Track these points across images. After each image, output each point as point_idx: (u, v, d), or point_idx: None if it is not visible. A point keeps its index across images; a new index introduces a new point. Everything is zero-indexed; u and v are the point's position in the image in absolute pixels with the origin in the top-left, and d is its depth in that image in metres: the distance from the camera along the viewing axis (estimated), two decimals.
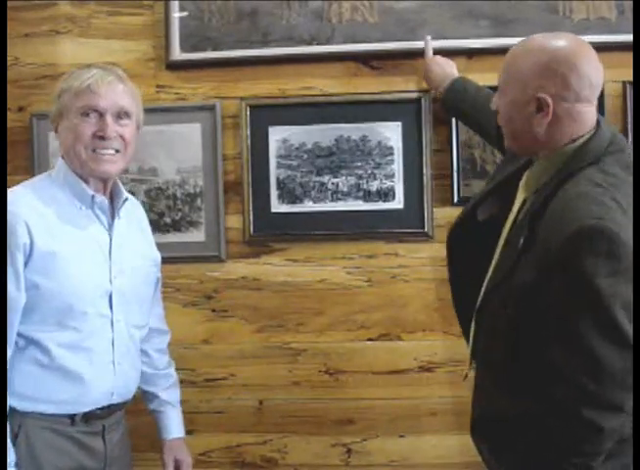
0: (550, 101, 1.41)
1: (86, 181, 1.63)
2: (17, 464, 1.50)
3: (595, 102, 1.47)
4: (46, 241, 1.54)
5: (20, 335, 1.53)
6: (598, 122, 1.47)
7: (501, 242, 1.54)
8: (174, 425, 1.88)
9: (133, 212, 1.78)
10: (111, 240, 1.66)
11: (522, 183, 1.54)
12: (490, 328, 1.52)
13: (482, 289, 1.56)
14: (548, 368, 1.36)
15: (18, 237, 1.51)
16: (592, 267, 1.31)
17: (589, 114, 1.45)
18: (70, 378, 1.57)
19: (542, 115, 1.43)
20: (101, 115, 1.60)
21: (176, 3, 2.25)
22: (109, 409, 1.64)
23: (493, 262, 1.54)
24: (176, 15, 2.26)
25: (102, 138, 1.60)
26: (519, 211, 1.50)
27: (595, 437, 1.35)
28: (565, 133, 1.45)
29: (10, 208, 1.52)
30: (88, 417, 1.61)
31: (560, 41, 1.45)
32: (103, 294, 1.61)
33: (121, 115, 1.62)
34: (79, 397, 1.59)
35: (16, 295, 1.50)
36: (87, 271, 1.59)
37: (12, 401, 1.50)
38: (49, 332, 1.55)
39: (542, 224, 1.39)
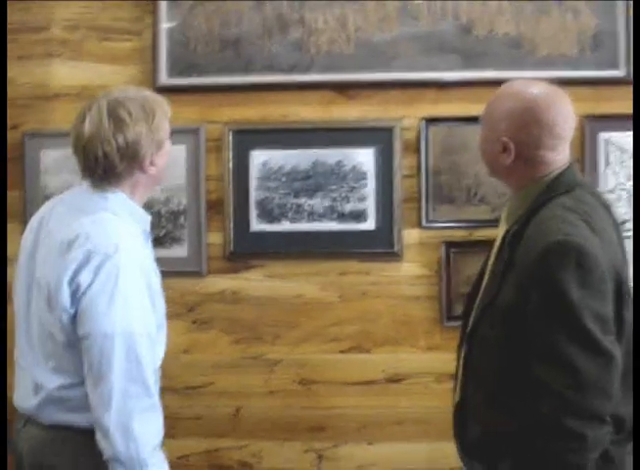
0: (512, 145, 1.51)
1: None
2: None
3: (562, 147, 1.53)
4: (156, 275, 1.59)
5: None
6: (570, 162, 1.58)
7: (488, 269, 1.63)
8: None
9: None
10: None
11: (502, 216, 1.65)
12: (481, 349, 1.56)
13: (472, 313, 1.62)
14: (534, 383, 1.40)
15: (152, 278, 1.55)
16: (564, 279, 1.38)
17: (553, 158, 1.52)
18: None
19: (506, 155, 1.52)
20: None
21: (164, 30, 2.36)
22: None
23: (482, 289, 1.63)
24: (165, 25, 2.35)
25: None
26: (502, 242, 1.57)
27: (579, 446, 1.37)
28: (529, 173, 1.53)
29: (138, 249, 1.51)
30: None
31: (533, 90, 1.53)
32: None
33: None
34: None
35: (154, 331, 1.54)
36: (160, 292, 1.65)
37: None
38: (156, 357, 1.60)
39: (519, 248, 1.46)
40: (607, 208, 1.56)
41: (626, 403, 1.46)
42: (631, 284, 1.57)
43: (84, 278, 1.46)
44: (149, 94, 1.62)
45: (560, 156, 1.53)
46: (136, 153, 1.53)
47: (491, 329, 1.51)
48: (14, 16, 2.42)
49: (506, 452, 1.47)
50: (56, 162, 2.37)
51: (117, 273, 1.45)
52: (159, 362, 1.61)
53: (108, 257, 1.46)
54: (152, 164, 1.57)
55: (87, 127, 1.51)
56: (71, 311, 1.48)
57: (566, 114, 1.52)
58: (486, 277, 1.61)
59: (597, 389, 1.37)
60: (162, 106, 1.60)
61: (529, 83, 1.56)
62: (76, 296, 1.47)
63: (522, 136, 1.50)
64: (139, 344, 1.47)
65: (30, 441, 1.57)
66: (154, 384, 1.52)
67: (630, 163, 2.32)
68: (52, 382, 1.53)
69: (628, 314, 1.45)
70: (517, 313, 1.44)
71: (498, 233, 1.63)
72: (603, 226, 1.47)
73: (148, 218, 1.65)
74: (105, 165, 1.52)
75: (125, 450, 1.45)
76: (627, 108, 2.26)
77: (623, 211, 2.25)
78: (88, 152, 1.52)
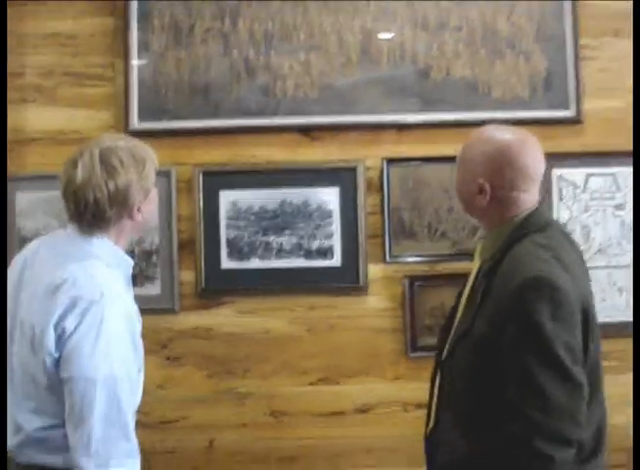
0: (488, 187, 1.57)
1: None
2: None
3: (533, 189, 1.60)
4: (138, 320, 1.63)
5: None
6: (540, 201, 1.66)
7: (462, 302, 1.69)
8: None
9: None
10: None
11: (477, 252, 1.72)
12: (454, 377, 1.61)
13: (447, 343, 1.66)
14: (506, 407, 1.45)
15: (134, 323, 1.59)
16: (538, 312, 1.43)
17: (524, 199, 1.58)
18: None
19: (482, 196, 1.59)
20: None
21: (135, 77, 2.43)
22: None
23: (456, 320, 1.69)
24: (136, 72, 2.43)
25: None
26: (476, 276, 1.63)
27: (545, 467, 1.42)
28: (502, 213, 1.60)
29: (121, 295, 1.56)
30: None
31: (505, 136, 1.60)
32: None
33: None
34: None
35: (135, 375, 1.57)
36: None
37: None
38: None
39: (495, 281, 1.52)
40: (573, 245, 1.64)
41: (586, 428, 1.50)
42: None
43: (70, 323, 1.49)
44: (138, 143, 1.67)
45: (531, 196, 1.60)
46: (126, 199, 1.58)
47: (465, 358, 1.57)
48: None
49: None
50: (31, 204, 2.43)
51: (102, 319, 1.48)
52: (137, 404, 1.65)
53: (93, 303, 1.49)
54: (139, 210, 1.61)
55: (79, 173, 1.55)
56: (56, 355, 1.50)
57: (537, 157, 1.60)
58: (461, 309, 1.67)
59: (566, 414, 1.42)
60: (151, 155, 1.66)
61: (504, 129, 1.64)
62: (61, 340, 1.50)
63: (497, 179, 1.57)
64: (120, 388, 1.49)
65: None
66: (133, 428, 1.55)
67: (583, 196, 2.45)
68: (32, 423, 1.55)
69: (593, 346, 1.51)
70: (490, 343, 1.49)
71: (472, 268, 1.70)
72: (571, 262, 1.53)
73: (130, 263, 1.68)
74: (94, 211, 1.56)
75: None
76: (577, 146, 2.45)
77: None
78: (79, 197, 1.55)
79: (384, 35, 2.43)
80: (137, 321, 1.61)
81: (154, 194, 1.67)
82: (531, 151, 1.59)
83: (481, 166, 1.58)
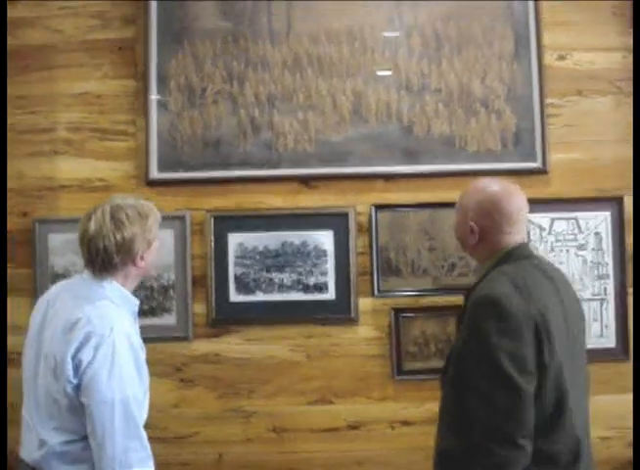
0: (477, 229, 1.78)
1: None
2: None
3: (517, 229, 1.78)
4: (143, 351, 1.82)
5: None
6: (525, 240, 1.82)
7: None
8: None
9: None
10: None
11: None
12: (444, 390, 1.77)
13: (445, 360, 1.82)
14: (469, 413, 1.61)
15: (140, 354, 1.78)
16: (486, 327, 1.59)
17: (510, 238, 1.77)
18: None
19: (472, 236, 1.80)
20: None
21: (155, 132, 2.66)
22: None
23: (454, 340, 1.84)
24: (155, 128, 2.64)
25: None
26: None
27: (490, 463, 1.55)
28: (489, 249, 1.79)
29: (127, 330, 1.75)
30: None
31: (494, 187, 1.80)
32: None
33: None
34: None
35: (141, 397, 1.75)
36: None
37: None
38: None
39: (468, 304, 1.71)
40: (548, 277, 1.75)
41: (556, 441, 1.62)
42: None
43: (85, 355, 1.69)
44: (145, 203, 1.91)
45: (514, 236, 1.78)
46: (130, 249, 1.79)
47: (450, 372, 1.73)
48: (25, 119, 2.71)
49: (452, 467, 1.68)
50: (61, 244, 2.64)
51: (113, 351, 1.70)
52: (144, 419, 1.82)
53: (104, 337, 1.70)
54: (142, 259, 1.83)
55: (92, 226, 1.79)
56: (74, 382, 1.70)
57: (520, 205, 1.80)
58: (456, 332, 1.84)
59: (510, 417, 1.56)
60: (155, 213, 1.89)
61: (493, 181, 1.84)
62: (79, 370, 1.69)
63: (485, 222, 1.78)
64: (133, 407, 1.70)
65: None
66: (146, 439, 1.74)
67: (549, 237, 2.66)
68: (54, 439, 1.75)
69: (551, 360, 1.61)
70: (460, 355, 1.68)
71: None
72: (531, 286, 1.66)
73: (136, 303, 1.89)
74: (104, 258, 1.78)
75: None
76: (544, 193, 2.63)
77: None
78: (92, 245, 1.79)
79: (372, 97, 2.65)
80: (141, 350, 1.80)
81: (155, 245, 1.87)
82: (516, 199, 1.79)
83: (473, 212, 1.79)
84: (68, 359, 1.71)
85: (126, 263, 1.82)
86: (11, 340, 2.44)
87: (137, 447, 1.71)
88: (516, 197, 1.80)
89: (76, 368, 1.71)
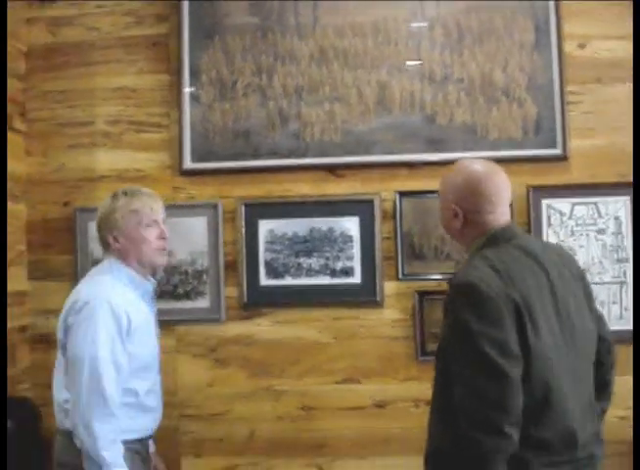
0: (460, 211, 1.73)
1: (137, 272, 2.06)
2: None
3: (500, 210, 1.72)
4: (134, 321, 1.94)
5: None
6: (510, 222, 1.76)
7: None
8: (151, 443, 2.18)
9: None
10: (155, 315, 2.13)
11: None
12: (435, 384, 1.73)
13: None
14: (455, 402, 1.56)
15: (123, 321, 1.91)
16: (465, 314, 1.55)
17: (493, 219, 1.72)
18: (147, 412, 2.01)
19: (457, 220, 1.75)
20: (157, 223, 2.06)
21: (188, 124, 2.77)
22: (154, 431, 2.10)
23: None
24: (188, 120, 2.75)
25: (163, 239, 2.06)
26: None
27: (478, 452, 1.50)
28: (473, 232, 1.74)
29: (112, 299, 1.92)
30: (146, 439, 2.05)
31: (474, 167, 1.75)
32: (156, 354, 2.08)
33: (164, 221, 2.10)
34: (149, 424, 2.04)
35: (124, 363, 1.90)
36: (152, 339, 2.05)
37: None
38: (136, 382, 1.96)
39: None
40: (534, 259, 1.68)
41: (547, 427, 1.57)
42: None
43: (71, 319, 1.93)
44: (135, 189, 2.09)
45: (498, 216, 1.72)
46: (103, 226, 2.04)
47: (435, 362, 1.71)
48: (65, 112, 2.85)
49: (444, 461, 1.65)
50: None
51: (92, 315, 1.89)
52: (143, 388, 1.98)
53: (87, 303, 1.91)
54: (116, 240, 2.02)
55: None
56: (65, 342, 1.94)
57: (499, 184, 1.73)
58: None
59: (494, 403, 1.50)
60: (131, 198, 2.04)
61: (471, 162, 1.80)
62: (67, 332, 1.93)
63: (467, 204, 1.73)
64: (102, 367, 1.86)
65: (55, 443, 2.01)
66: (114, 399, 1.87)
67: (569, 222, 2.70)
68: (61, 396, 1.96)
69: (536, 342, 1.55)
70: (442, 345, 1.65)
71: None
72: (514, 270, 1.61)
73: (147, 284, 2.06)
74: (97, 234, 2.08)
75: (87, 442, 1.83)
76: (564, 179, 2.68)
77: None
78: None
79: (396, 87, 2.73)
80: (131, 322, 1.94)
81: (137, 233, 2.02)
82: (495, 179, 1.73)
83: (454, 195, 1.75)
84: (61, 324, 1.97)
85: (107, 241, 2.03)
86: (52, 322, 2.54)
87: (99, 403, 1.86)
88: (497, 176, 1.75)
89: (65, 332, 1.95)
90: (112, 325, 1.91)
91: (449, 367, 1.61)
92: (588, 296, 1.79)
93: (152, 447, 2.19)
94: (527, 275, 1.64)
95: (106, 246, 2.06)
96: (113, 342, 1.90)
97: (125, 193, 2.08)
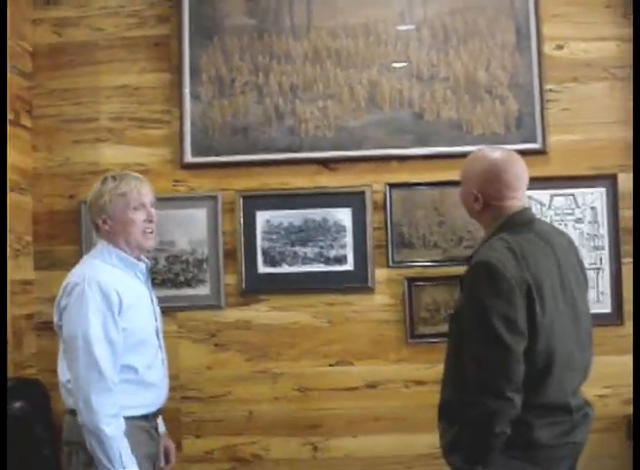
0: (480, 196, 1.84)
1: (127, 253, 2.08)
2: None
3: (518, 195, 1.83)
4: (125, 299, 1.96)
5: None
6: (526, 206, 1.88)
7: None
8: (160, 423, 2.19)
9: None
10: (150, 292, 2.15)
11: None
12: (448, 349, 1.87)
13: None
14: (464, 368, 1.71)
15: (113, 299, 1.93)
16: (481, 290, 1.66)
17: (512, 204, 1.83)
18: (148, 387, 2.02)
19: (477, 203, 1.86)
20: (144, 206, 2.07)
21: (188, 121, 2.88)
22: (160, 409, 2.12)
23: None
24: (189, 116, 2.85)
25: (150, 222, 2.07)
26: None
27: (482, 414, 1.64)
28: (492, 215, 1.85)
29: (101, 278, 1.94)
30: (153, 416, 2.06)
31: (495, 154, 1.85)
32: (154, 329, 2.09)
33: (152, 205, 2.11)
34: (152, 400, 2.04)
35: (118, 338, 1.93)
36: (147, 315, 2.06)
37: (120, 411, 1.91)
38: (134, 357, 1.98)
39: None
40: (547, 242, 1.80)
41: (546, 396, 1.70)
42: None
43: (64, 301, 1.98)
44: (120, 174, 2.11)
45: (516, 201, 1.84)
46: (90, 210, 2.08)
47: (449, 330, 1.85)
48: (70, 109, 2.94)
49: (453, 415, 1.78)
50: None
51: (82, 295, 1.93)
52: (142, 364, 2.00)
53: (77, 284, 1.95)
54: (105, 223, 2.04)
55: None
56: (60, 324, 1.99)
57: (519, 172, 1.85)
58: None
59: (497, 371, 1.63)
60: (131, 192, 2.04)
61: (493, 149, 1.90)
62: (62, 315, 1.97)
63: (488, 190, 1.83)
64: (94, 344, 1.89)
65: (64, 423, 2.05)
66: (111, 373, 1.90)
67: (548, 212, 2.83)
68: (64, 376, 1.99)
69: (543, 320, 1.67)
70: (459, 316, 1.77)
71: None
72: (527, 253, 1.72)
73: (138, 264, 2.08)
74: (90, 221, 2.12)
75: (87, 416, 1.86)
76: (544, 172, 2.77)
77: None
78: None
79: (386, 86, 2.86)
80: (122, 299, 1.96)
81: (124, 216, 2.03)
82: (515, 166, 1.84)
83: (475, 180, 1.86)
84: (56, 308, 2.01)
85: (97, 223, 2.07)
86: None
87: (97, 379, 1.90)
88: (515, 163, 1.85)
89: (60, 314, 1.99)
90: (101, 302, 1.93)
91: (461, 336, 1.73)
92: (585, 283, 1.94)
93: (162, 427, 2.20)
94: (540, 257, 1.75)
95: (96, 229, 2.09)
96: (104, 318, 1.93)
97: (114, 177, 2.11)
